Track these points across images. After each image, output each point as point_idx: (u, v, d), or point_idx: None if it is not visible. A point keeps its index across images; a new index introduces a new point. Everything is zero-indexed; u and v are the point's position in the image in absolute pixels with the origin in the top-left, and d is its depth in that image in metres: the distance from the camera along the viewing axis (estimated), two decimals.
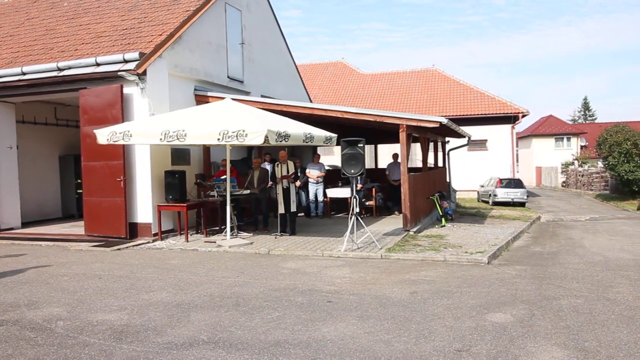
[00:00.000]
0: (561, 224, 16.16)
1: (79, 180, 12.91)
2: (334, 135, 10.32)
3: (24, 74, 11.13)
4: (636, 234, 12.97)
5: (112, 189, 10.38)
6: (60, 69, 10.76)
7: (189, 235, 10.44)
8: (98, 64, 10.49)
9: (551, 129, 46.30)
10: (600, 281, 7.03)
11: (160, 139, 8.65)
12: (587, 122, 69.45)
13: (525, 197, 23.48)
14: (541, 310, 5.54)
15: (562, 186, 39.47)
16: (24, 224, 12.52)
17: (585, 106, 76.99)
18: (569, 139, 45.65)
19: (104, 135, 9.19)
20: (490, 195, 23.83)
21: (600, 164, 31.95)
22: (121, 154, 10.32)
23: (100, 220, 10.59)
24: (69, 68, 10.72)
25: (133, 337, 4.75)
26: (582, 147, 46.29)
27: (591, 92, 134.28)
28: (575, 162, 39.58)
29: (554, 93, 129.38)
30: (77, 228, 11.81)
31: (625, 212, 20.83)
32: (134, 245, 9.92)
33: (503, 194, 23.14)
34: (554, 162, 42.54)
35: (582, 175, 35.42)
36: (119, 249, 9.60)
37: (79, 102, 10.86)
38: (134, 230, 10.51)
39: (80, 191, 11.90)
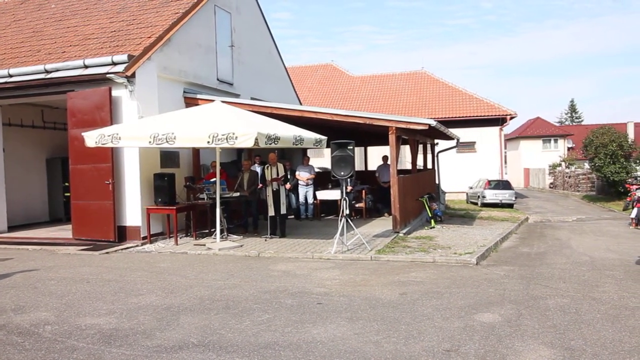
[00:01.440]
0: (549, 225, 16.32)
1: (66, 184, 12.81)
2: (324, 138, 10.35)
3: (10, 76, 11.02)
4: (622, 234, 13.15)
5: (101, 192, 10.31)
6: (47, 71, 10.68)
7: (178, 238, 10.40)
8: (86, 66, 10.43)
9: (539, 130, 46.79)
10: (587, 281, 7.12)
11: (150, 142, 8.62)
12: (573, 124, 70.16)
13: (514, 199, 23.69)
14: (529, 310, 5.60)
15: (550, 187, 39.86)
16: (10, 228, 12.38)
17: (572, 108, 77.77)
18: (556, 141, 46.16)
19: (92, 138, 9.13)
20: (479, 196, 24.01)
21: (586, 165, 32.32)
22: (110, 157, 10.26)
23: (89, 223, 10.52)
24: (57, 70, 10.64)
25: (122, 340, 4.73)
26: (569, 148, 46.82)
27: (578, 94, 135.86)
28: (563, 163, 40.00)
29: (541, 95, 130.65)
30: (64, 232, 11.70)
31: (611, 213, 21.10)
32: (122, 249, 9.86)
33: (491, 196, 23.34)
34: (542, 163, 42.97)
35: (569, 177, 35.80)
36: (107, 253, 9.54)
37: (67, 104, 10.79)
38: (122, 234, 10.45)
39: (68, 194, 11.81)
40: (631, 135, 35.20)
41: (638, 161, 26.91)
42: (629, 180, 22.44)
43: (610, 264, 8.56)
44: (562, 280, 7.13)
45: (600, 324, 5.11)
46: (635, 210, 14.83)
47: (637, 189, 16.53)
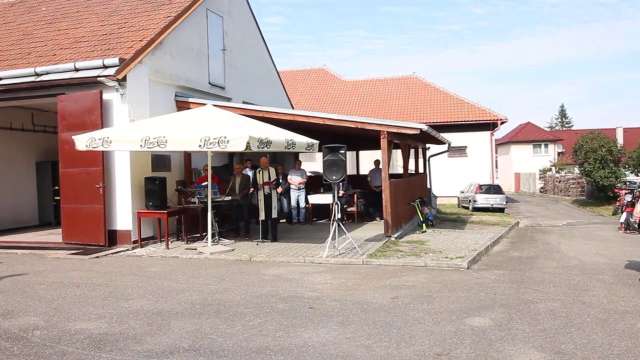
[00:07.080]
0: (539, 229, 16.42)
1: (56, 187, 12.70)
2: (316, 142, 10.35)
3: (0, 79, 10.93)
4: (611, 239, 13.25)
5: (91, 196, 10.24)
6: (37, 74, 10.61)
7: (169, 243, 10.35)
8: (77, 70, 10.36)
9: (529, 135, 47.14)
10: (577, 285, 7.17)
11: (141, 145, 8.57)
12: (564, 129, 70.80)
13: (505, 203, 23.81)
14: (519, 314, 5.63)
15: (540, 192, 40.13)
16: None
17: (562, 113, 78.54)
18: (546, 146, 46.51)
19: (82, 141, 9.08)
20: (470, 201, 24.11)
21: (576, 170, 32.61)
22: (100, 161, 10.20)
23: (79, 227, 10.43)
24: (47, 73, 10.57)
25: (112, 345, 4.69)
26: (559, 153, 47.18)
27: (568, 99, 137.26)
28: (553, 168, 40.29)
29: (532, 100, 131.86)
30: (54, 236, 11.60)
31: (600, 217, 21.27)
32: (113, 253, 9.79)
33: (483, 200, 23.45)
34: (532, 168, 43.26)
35: (559, 181, 36.06)
36: (97, 257, 9.47)
37: (57, 107, 10.71)
38: (113, 238, 10.37)
39: (58, 198, 11.71)
40: (620, 140, 35.64)
41: (627, 166, 27.19)
42: (618, 185, 22.64)
43: (599, 268, 8.62)
44: (552, 284, 7.17)
45: (590, 327, 5.14)
46: (624, 215, 14.94)
47: (626, 193, 16.67)
